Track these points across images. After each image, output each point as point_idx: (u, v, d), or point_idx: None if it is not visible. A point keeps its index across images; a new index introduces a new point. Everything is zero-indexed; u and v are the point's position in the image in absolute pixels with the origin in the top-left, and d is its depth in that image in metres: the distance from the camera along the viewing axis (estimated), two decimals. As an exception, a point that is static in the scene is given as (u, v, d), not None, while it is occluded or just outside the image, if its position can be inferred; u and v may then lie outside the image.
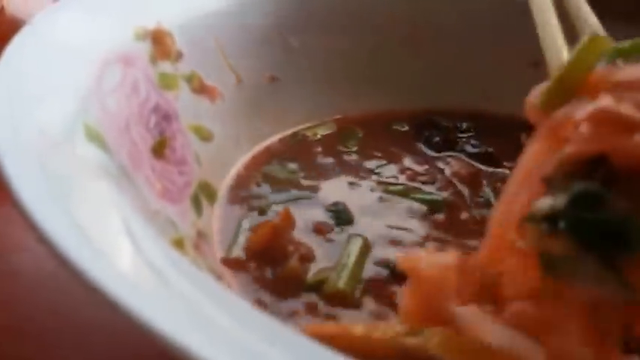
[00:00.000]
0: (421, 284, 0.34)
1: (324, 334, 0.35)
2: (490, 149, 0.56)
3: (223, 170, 0.50)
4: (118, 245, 0.31)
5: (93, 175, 0.34)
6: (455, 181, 0.53)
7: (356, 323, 0.36)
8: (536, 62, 0.61)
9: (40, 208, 0.30)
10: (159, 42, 0.47)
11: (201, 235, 0.43)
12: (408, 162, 0.55)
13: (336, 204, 0.49)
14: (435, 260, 0.35)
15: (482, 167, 0.55)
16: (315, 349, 0.28)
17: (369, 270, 0.44)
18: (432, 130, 0.58)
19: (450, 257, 0.35)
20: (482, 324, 0.32)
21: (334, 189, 0.51)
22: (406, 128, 0.58)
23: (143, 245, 0.32)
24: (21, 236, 0.47)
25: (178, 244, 0.38)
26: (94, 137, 0.37)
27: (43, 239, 0.29)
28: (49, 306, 0.42)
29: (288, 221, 0.45)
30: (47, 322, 0.42)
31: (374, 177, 0.52)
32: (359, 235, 0.46)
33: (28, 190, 0.31)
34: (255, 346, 0.27)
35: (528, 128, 0.60)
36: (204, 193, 0.46)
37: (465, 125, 0.59)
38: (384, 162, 0.54)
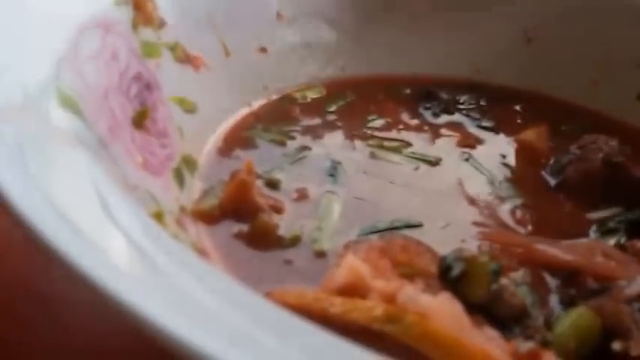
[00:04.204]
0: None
1: (302, 305, 0.35)
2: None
3: (206, 140, 0.49)
4: (95, 220, 0.30)
5: (67, 145, 0.32)
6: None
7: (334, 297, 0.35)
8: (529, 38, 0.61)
9: (11, 179, 0.29)
10: (140, 7, 0.45)
11: (183, 211, 0.41)
12: (400, 124, 0.54)
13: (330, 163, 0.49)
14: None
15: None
16: (300, 327, 0.27)
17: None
18: (431, 102, 0.57)
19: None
20: (419, 298, 0.34)
21: (324, 148, 0.50)
22: (399, 93, 0.58)
23: (120, 218, 0.31)
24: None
25: (158, 217, 0.36)
26: (69, 104, 0.35)
27: (12, 212, 0.27)
28: (22, 282, 0.40)
29: (253, 175, 0.44)
30: (22, 300, 0.40)
31: (364, 137, 0.52)
32: (334, 193, 0.46)
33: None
34: (239, 325, 0.26)
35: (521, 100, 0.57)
36: (187, 167, 0.45)
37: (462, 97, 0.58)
38: (374, 123, 0.54)
